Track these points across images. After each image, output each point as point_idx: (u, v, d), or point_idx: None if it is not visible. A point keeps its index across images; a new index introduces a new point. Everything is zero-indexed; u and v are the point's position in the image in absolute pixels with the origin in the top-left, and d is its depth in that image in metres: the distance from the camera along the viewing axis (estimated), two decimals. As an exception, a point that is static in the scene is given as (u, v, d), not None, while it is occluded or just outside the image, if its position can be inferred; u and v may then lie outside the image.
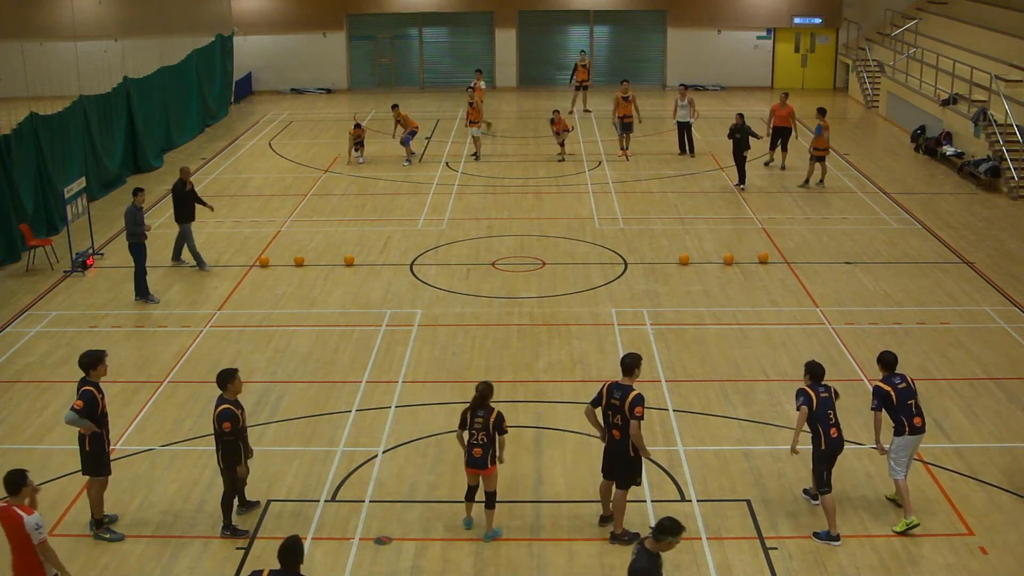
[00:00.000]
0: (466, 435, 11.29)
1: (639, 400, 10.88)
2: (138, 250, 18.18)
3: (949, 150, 27.23)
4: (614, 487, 11.31)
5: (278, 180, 26.58)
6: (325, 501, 12.15)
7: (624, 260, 20.09)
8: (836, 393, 11.53)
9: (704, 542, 11.31)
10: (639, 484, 11.42)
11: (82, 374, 11.38)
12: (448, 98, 37.73)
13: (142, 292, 18.29)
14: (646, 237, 21.45)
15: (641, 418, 10.88)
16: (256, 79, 39.85)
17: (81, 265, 19.84)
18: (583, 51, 36.32)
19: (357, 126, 28.10)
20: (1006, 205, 23.85)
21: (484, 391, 11.23)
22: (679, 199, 24.21)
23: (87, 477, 11.56)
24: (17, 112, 22.22)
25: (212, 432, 11.37)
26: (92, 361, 11.39)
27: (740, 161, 24.80)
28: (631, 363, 11.11)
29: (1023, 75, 27.04)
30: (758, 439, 13.45)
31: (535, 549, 11.27)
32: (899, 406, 11.35)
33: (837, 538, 11.26)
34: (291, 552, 8.36)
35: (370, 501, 12.13)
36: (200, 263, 19.77)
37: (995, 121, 25.56)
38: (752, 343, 16.31)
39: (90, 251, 20.53)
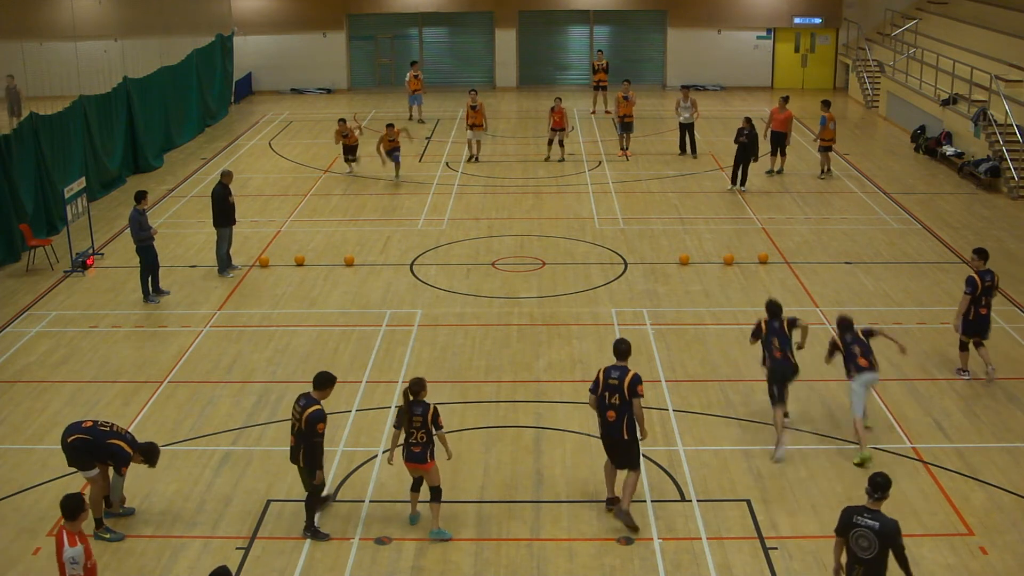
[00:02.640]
0: (402, 434, 11.30)
1: (639, 379, 11.31)
2: (146, 252, 18.15)
3: (949, 150, 27.23)
4: (625, 472, 11.54)
5: (278, 180, 26.58)
6: (325, 501, 12.15)
7: (624, 260, 20.10)
8: (792, 323, 13.48)
9: (704, 542, 11.32)
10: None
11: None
12: (448, 98, 37.69)
13: (144, 291, 18.30)
14: (646, 237, 21.45)
15: (642, 396, 11.29)
16: (256, 79, 39.84)
17: (81, 265, 19.84)
18: (600, 51, 36.22)
19: (342, 121, 26.69)
20: (1006, 205, 23.85)
21: (417, 388, 11.25)
22: (679, 199, 24.22)
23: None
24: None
25: (292, 426, 11.28)
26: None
27: (745, 165, 24.52)
28: (628, 348, 11.62)
29: (1023, 75, 27.04)
30: (758, 439, 13.45)
31: (535, 549, 11.27)
32: (846, 355, 13.16)
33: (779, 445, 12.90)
34: None
35: (370, 501, 12.14)
36: (224, 267, 19.55)
37: (995, 121, 25.56)
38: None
39: (90, 251, 20.54)
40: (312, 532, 11.47)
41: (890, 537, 8.97)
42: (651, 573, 10.85)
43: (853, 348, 13.13)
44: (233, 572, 10.82)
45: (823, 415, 14.05)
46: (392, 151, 25.67)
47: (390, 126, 25.89)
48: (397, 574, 10.88)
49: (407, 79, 33.54)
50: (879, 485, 9.16)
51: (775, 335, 13.18)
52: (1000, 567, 10.89)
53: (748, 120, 24.63)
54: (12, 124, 23.96)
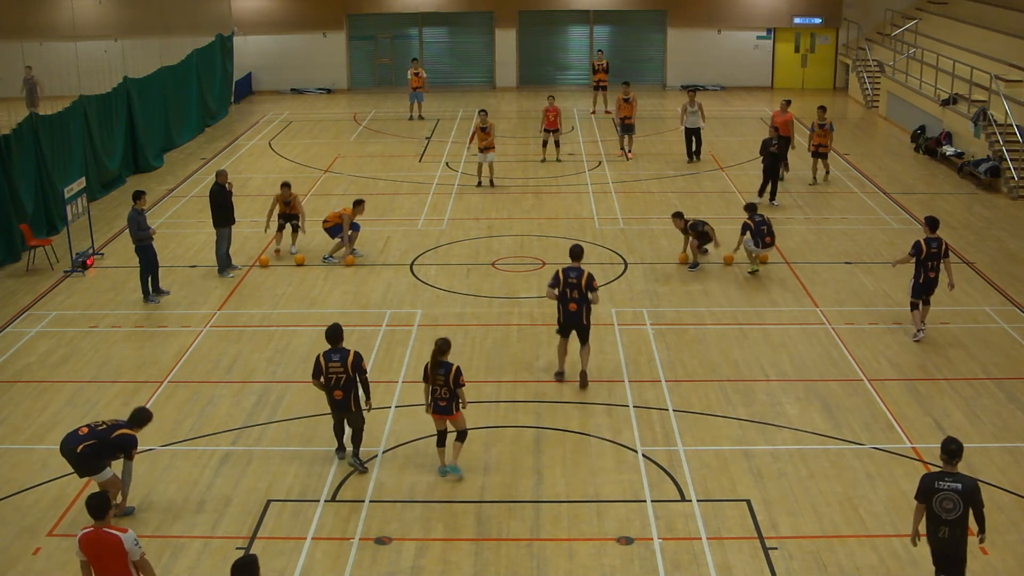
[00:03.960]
0: (429, 388, 12.42)
1: (593, 277, 14.58)
2: (144, 252, 18.15)
3: (949, 150, 27.23)
4: (579, 345, 14.80)
5: (278, 180, 26.47)
6: (325, 501, 12.16)
7: (624, 260, 20.10)
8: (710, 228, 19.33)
9: (704, 542, 11.32)
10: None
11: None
12: (448, 98, 37.74)
13: (144, 291, 18.30)
14: (646, 237, 21.45)
15: (598, 289, 14.66)
16: (256, 79, 39.84)
17: (81, 265, 19.85)
18: (600, 51, 36.20)
19: (286, 186, 20.56)
20: (1006, 205, 23.86)
21: (443, 347, 12.35)
22: (679, 199, 24.20)
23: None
24: (17, 112, 22.23)
25: (335, 381, 12.27)
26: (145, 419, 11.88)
27: (775, 178, 23.43)
28: (581, 251, 14.85)
29: (1023, 75, 27.04)
30: (758, 439, 13.45)
31: (535, 549, 11.27)
32: (755, 233, 18.73)
33: (695, 266, 19.44)
34: (245, 571, 8.40)
35: (370, 501, 12.14)
36: (224, 267, 19.54)
37: (995, 121, 25.57)
38: (752, 343, 16.31)
39: (90, 251, 20.54)
40: (360, 465, 12.67)
41: (973, 496, 9.53)
42: (651, 573, 10.86)
43: (762, 228, 18.80)
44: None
45: (823, 415, 14.05)
46: (333, 228, 20.14)
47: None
48: (397, 574, 10.88)
49: (408, 76, 33.73)
50: (955, 452, 9.67)
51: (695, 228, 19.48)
52: (1000, 567, 10.89)
53: (776, 129, 23.67)
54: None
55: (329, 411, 12.79)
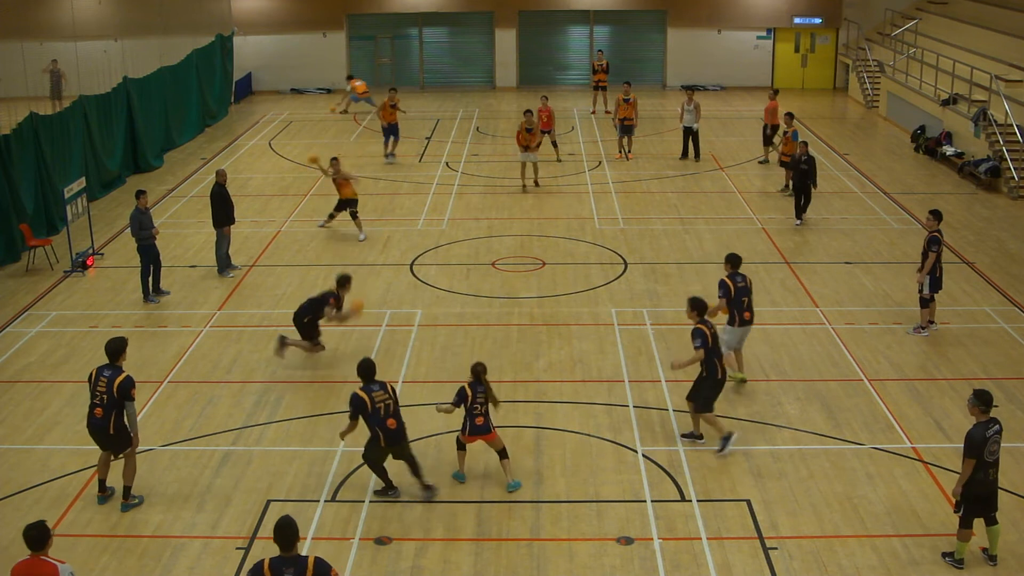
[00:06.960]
0: (456, 408, 12.23)
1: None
2: (146, 251, 18.14)
3: (949, 150, 27.23)
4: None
5: (278, 180, 26.58)
6: (325, 501, 12.16)
7: (624, 260, 20.10)
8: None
9: (704, 542, 11.32)
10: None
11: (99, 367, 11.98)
12: (448, 98, 37.73)
13: (144, 291, 18.29)
14: (646, 237, 21.45)
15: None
16: (256, 79, 39.84)
17: (81, 265, 19.84)
18: (600, 51, 36.19)
19: (334, 160, 22.10)
20: (1006, 205, 23.86)
21: (480, 370, 12.21)
22: (679, 199, 24.21)
23: (121, 456, 11.95)
24: (17, 112, 22.22)
25: (389, 409, 11.79)
26: (120, 347, 12.14)
27: (806, 195, 22.14)
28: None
29: (1023, 75, 27.05)
30: (758, 439, 13.45)
31: (535, 549, 11.27)
32: (735, 300, 14.16)
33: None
34: (284, 531, 8.47)
35: (370, 501, 12.14)
36: (224, 267, 19.53)
37: (995, 121, 25.57)
38: (752, 343, 16.29)
39: (90, 251, 20.53)
40: (432, 491, 12.24)
41: (1001, 430, 10.67)
42: (651, 573, 10.86)
43: (743, 298, 14.28)
44: (234, 573, 10.85)
45: (823, 415, 14.04)
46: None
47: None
48: (397, 574, 10.88)
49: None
50: (990, 400, 10.61)
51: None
52: (1000, 567, 10.89)
53: (805, 144, 22.55)
54: (55, 107, 24.63)
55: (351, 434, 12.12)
